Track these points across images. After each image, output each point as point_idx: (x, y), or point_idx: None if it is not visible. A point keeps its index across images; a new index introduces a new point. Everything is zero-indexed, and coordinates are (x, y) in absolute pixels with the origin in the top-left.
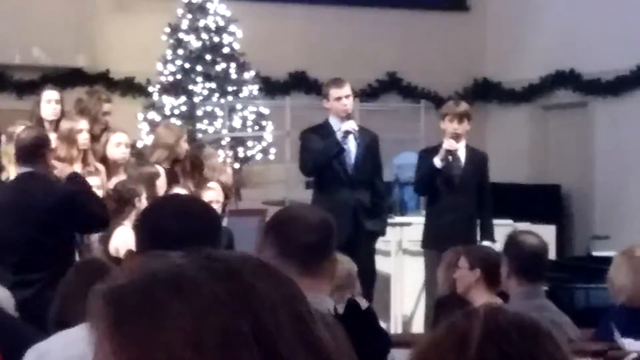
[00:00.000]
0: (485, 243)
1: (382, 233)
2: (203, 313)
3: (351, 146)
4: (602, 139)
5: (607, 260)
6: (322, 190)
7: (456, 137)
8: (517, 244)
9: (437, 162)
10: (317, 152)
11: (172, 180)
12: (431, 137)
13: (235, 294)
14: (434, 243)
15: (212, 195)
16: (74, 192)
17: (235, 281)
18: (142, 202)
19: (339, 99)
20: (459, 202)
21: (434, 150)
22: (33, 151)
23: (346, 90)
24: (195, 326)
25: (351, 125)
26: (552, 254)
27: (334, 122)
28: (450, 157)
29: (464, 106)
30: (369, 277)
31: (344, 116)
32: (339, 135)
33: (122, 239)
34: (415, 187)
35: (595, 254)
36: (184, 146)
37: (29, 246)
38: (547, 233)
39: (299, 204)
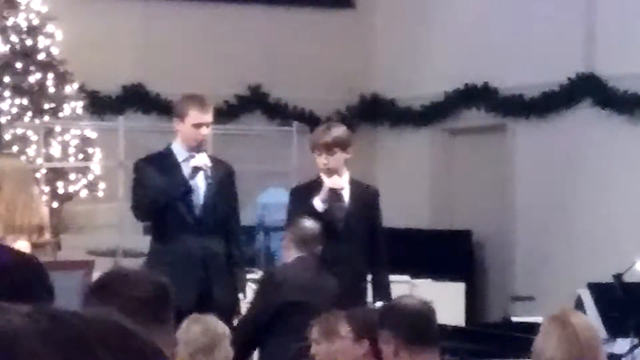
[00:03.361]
0: (380, 304)
1: (241, 294)
2: None
3: (199, 182)
4: (524, 172)
5: (531, 328)
6: (162, 239)
7: (329, 172)
8: (397, 309)
9: (318, 204)
10: (156, 191)
11: None
12: (305, 168)
13: None
14: None
15: (24, 244)
16: None
17: (77, 353)
18: None
19: (198, 125)
20: (344, 253)
21: (309, 187)
22: None
23: (210, 116)
24: None
25: (202, 160)
26: (460, 319)
27: (178, 149)
28: (333, 197)
29: (334, 132)
30: None
31: (194, 145)
32: (185, 170)
33: None
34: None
35: (515, 319)
36: None
37: None
38: (455, 292)
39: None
